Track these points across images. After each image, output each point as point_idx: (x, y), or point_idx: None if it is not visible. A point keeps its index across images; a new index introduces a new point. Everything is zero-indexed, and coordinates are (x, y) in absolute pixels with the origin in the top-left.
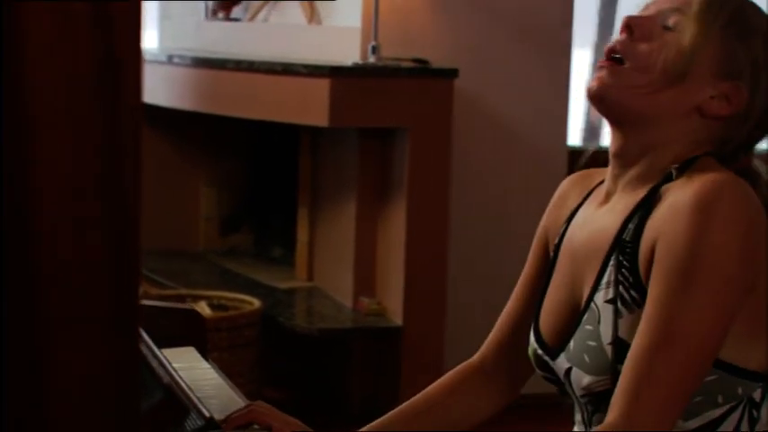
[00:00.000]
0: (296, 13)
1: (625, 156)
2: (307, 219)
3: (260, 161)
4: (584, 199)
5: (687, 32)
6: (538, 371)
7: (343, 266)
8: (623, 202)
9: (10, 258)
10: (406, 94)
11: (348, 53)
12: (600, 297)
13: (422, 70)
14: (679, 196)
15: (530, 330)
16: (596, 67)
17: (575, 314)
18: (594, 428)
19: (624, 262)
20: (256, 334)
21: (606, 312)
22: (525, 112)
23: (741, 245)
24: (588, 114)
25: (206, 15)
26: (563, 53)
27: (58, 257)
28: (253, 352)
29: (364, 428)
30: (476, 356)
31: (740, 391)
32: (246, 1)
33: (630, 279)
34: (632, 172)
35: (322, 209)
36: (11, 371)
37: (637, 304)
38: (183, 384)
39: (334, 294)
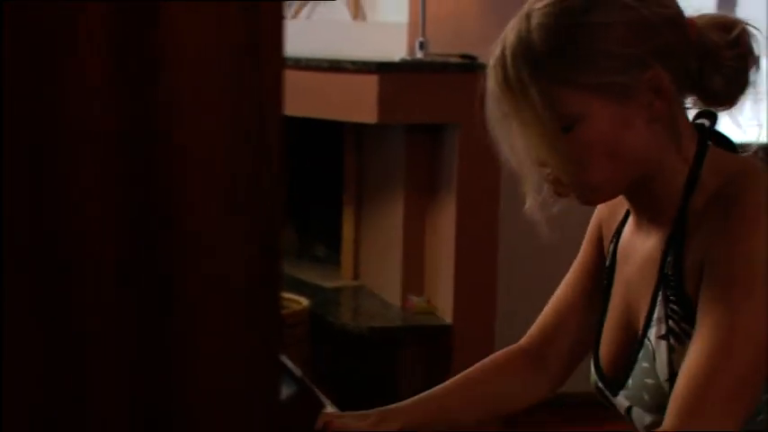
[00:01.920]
0: (340, 10)
1: (637, 199)
2: (352, 217)
3: (301, 159)
4: (627, 213)
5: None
6: (600, 399)
7: (391, 264)
8: (656, 228)
9: (155, 240)
10: (456, 89)
11: (395, 49)
12: (653, 333)
13: (471, 65)
14: (716, 222)
15: (577, 319)
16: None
17: (632, 347)
18: None
19: (671, 296)
20: (305, 333)
21: (660, 349)
22: None
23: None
24: None
25: None
26: None
27: (202, 246)
28: (303, 351)
29: (409, 400)
30: (523, 340)
31: None
32: (288, 0)
33: (679, 312)
34: (650, 206)
35: (368, 206)
36: (155, 357)
37: (688, 336)
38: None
39: (382, 293)
